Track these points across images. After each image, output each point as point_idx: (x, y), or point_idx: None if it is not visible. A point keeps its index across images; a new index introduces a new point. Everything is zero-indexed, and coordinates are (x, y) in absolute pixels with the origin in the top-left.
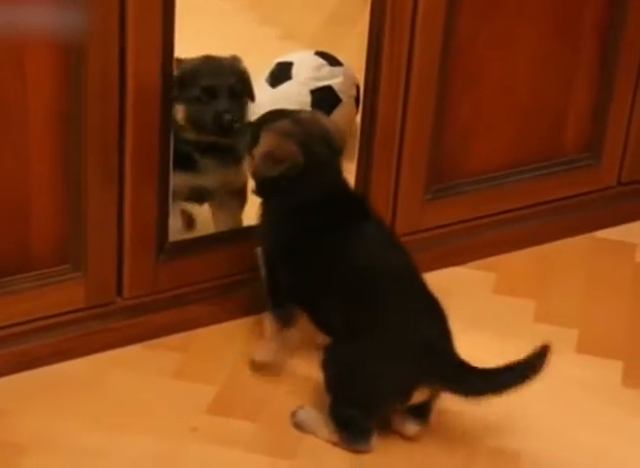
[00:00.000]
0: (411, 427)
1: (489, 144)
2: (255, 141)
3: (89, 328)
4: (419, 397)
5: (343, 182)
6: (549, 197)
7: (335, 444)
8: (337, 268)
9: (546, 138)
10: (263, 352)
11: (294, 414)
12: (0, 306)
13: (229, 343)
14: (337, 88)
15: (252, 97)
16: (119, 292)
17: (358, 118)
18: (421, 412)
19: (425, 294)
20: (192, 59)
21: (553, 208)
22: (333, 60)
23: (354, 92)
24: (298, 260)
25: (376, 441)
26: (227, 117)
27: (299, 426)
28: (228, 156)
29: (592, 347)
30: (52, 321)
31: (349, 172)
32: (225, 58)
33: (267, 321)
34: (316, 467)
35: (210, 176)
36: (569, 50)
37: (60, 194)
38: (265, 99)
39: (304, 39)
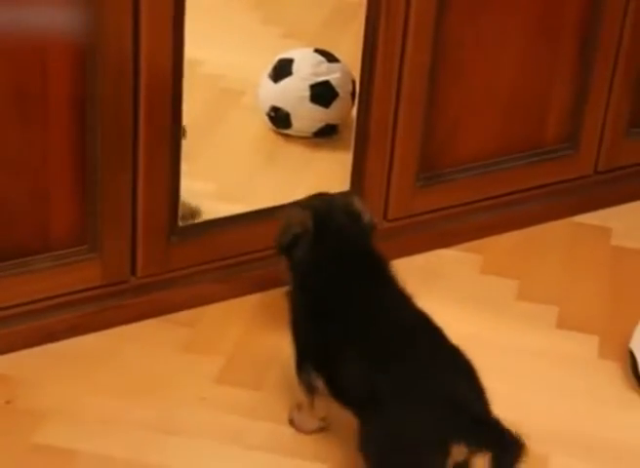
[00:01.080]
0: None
1: (476, 135)
2: None
3: (104, 304)
4: (458, 455)
5: (369, 253)
6: (531, 184)
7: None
8: (357, 331)
9: (529, 130)
10: (306, 422)
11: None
12: (21, 284)
13: (236, 319)
14: (334, 83)
15: None
16: (133, 271)
17: (354, 111)
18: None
19: (452, 352)
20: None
21: (535, 194)
22: (331, 57)
23: (351, 87)
24: (315, 326)
25: None
26: None
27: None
28: None
29: (571, 323)
30: (69, 298)
31: (346, 161)
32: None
33: (299, 388)
34: (317, 434)
35: None
36: (550, 48)
37: (77, 179)
38: (268, 94)
39: (305, 37)
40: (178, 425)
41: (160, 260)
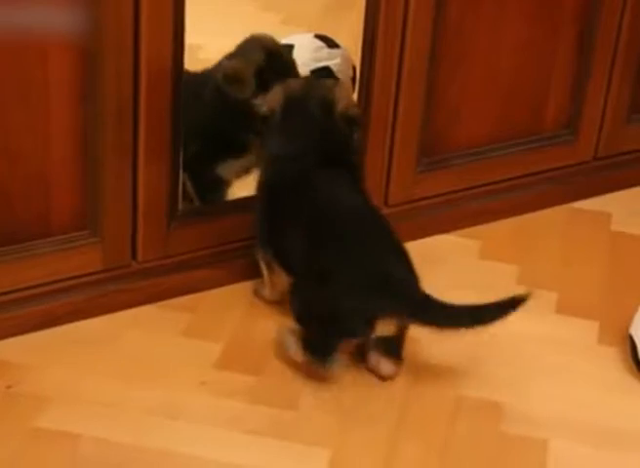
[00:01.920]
0: (385, 366)
1: (475, 121)
2: None
3: (105, 289)
4: (384, 329)
5: (335, 143)
6: (531, 170)
7: (300, 364)
8: (303, 210)
9: (528, 116)
10: (267, 294)
11: (277, 331)
12: (24, 269)
13: (235, 304)
14: (335, 68)
15: None
16: (134, 256)
17: (355, 97)
18: (394, 351)
19: (388, 236)
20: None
21: (535, 180)
22: (331, 43)
23: (351, 72)
24: (273, 203)
25: (340, 370)
26: None
27: (278, 343)
28: None
29: (570, 308)
30: (71, 282)
31: None
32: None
33: (259, 260)
34: (316, 417)
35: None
36: (550, 34)
37: (78, 166)
38: None
39: (305, 23)
40: (178, 410)
41: (161, 245)
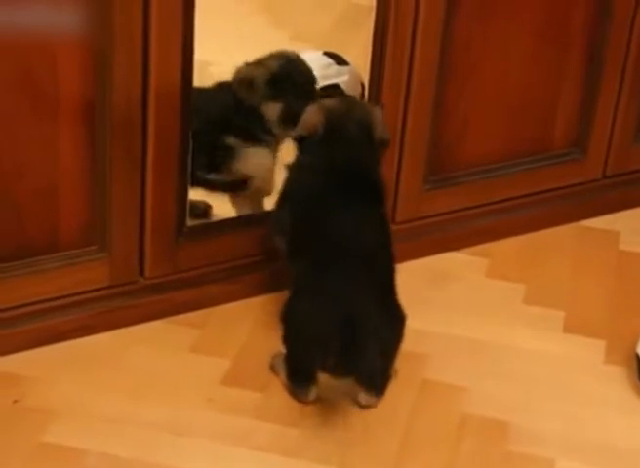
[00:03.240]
0: (362, 398)
1: (483, 139)
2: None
3: (113, 305)
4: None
5: (368, 166)
6: (539, 188)
7: (285, 388)
8: (312, 231)
9: (537, 134)
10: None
11: (271, 357)
12: (31, 284)
13: (243, 320)
14: (343, 85)
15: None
16: (141, 271)
17: None
18: (375, 385)
19: (380, 281)
20: (268, 60)
21: (543, 198)
22: (340, 60)
23: (359, 89)
24: (293, 213)
25: (316, 394)
26: None
27: (271, 368)
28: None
29: (577, 327)
30: (79, 298)
31: None
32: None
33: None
34: (321, 434)
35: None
36: (558, 50)
37: (86, 181)
38: None
39: (314, 40)
40: (184, 426)
41: (168, 261)
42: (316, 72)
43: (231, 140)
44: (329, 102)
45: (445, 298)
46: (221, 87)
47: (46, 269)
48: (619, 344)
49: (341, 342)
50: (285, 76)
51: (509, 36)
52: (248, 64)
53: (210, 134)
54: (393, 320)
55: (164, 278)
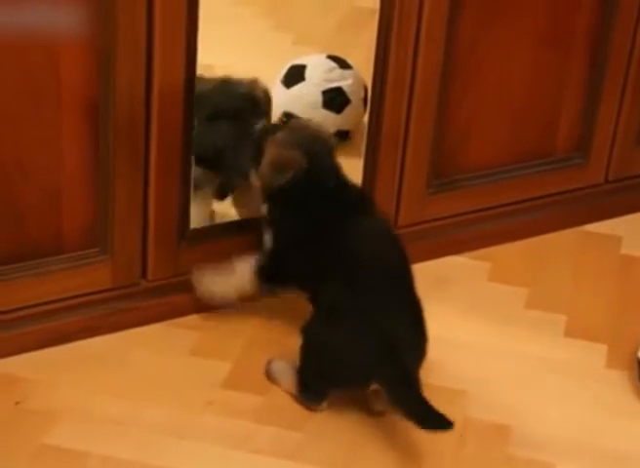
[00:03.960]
0: (377, 404)
1: (486, 143)
2: (259, 154)
3: (115, 307)
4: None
5: (344, 179)
6: (542, 193)
7: (292, 396)
8: (335, 256)
9: (540, 138)
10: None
11: (267, 363)
12: (34, 286)
13: (243, 323)
14: (346, 89)
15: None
16: (143, 274)
17: (366, 118)
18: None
19: (409, 296)
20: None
21: (545, 203)
22: (343, 64)
23: (363, 93)
24: (305, 252)
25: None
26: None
27: (268, 375)
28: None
29: (579, 332)
30: (81, 300)
31: (357, 168)
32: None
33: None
34: (322, 438)
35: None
36: (561, 56)
37: (89, 183)
38: (280, 99)
39: (317, 44)
40: (185, 428)
41: (170, 264)
42: (319, 76)
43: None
44: (281, 136)
45: (447, 302)
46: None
47: (48, 271)
48: (620, 349)
49: (387, 372)
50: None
51: (513, 41)
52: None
53: None
54: (423, 338)
55: (166, 281)
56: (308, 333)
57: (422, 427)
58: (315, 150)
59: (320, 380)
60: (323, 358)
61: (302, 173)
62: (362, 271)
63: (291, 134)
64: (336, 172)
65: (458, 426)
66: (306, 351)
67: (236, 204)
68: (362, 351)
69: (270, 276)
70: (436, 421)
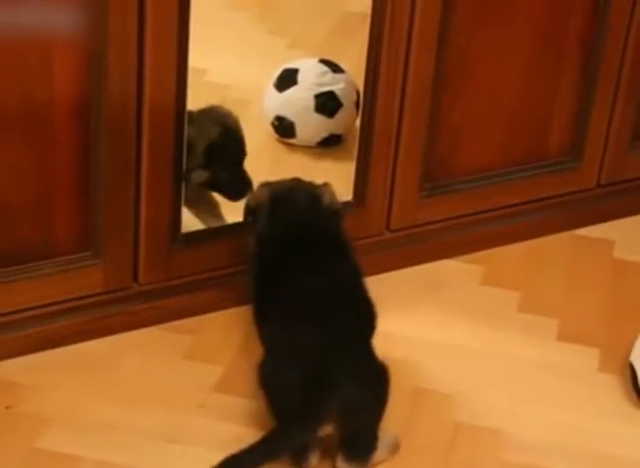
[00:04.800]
0: (341, 464)
1: (479, 147)
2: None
3: (107, 311)
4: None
5: (321, 224)
6: (534, 196)
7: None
8: (281, 291)
9: (532, 142)
10: None
11: None
12: (26, 290)
13: (236, 327)
14: (339, 93)
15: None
16: (135, 278)
17: (358, 121)
18: (359, 453)
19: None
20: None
21: (538, 206)
22: (336, 68)
23: (355, 97)
24: (260, 285)
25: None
26: None
27: None
28: None
29: (572, 336)
30: (73, 304)
31: (349, 171)
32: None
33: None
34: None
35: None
36: (554, 60)
37: (81, 187)
38: (273, 103)
39: (310, 48)
40: (177, 433)
41: (162, 268)
42: (312, 80)
43: None
44: (277, 182)
45: (440, 305)
46: None
47: (40, 275)
48: (613, 353)
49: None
50: (221, 146)
51: (505, 44)
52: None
53: None
54: (372, 378)
55: (158, 284)
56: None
57: None
58: (284, 192)
59: (286, 431)
60: (269, 398)
61: (267, 213)
62: (298, 307)
63: (279, 184)
64: (316, 220)
65: (449, 430)
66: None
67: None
68: (286, 385)
69: (256, 313)
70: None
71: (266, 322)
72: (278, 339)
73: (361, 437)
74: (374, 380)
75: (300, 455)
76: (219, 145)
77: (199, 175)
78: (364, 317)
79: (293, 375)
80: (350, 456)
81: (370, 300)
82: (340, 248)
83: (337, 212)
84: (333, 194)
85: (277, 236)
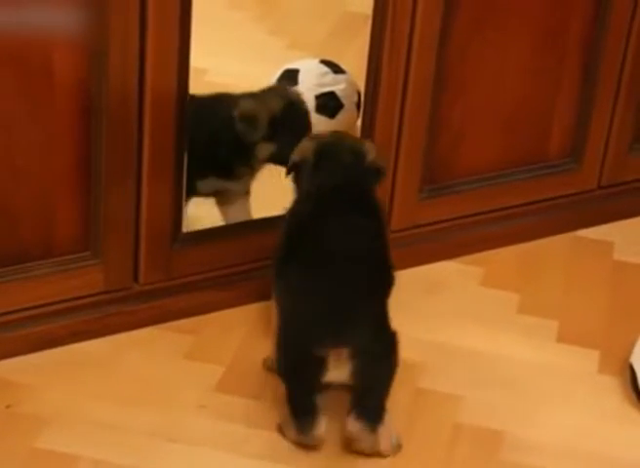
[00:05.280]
0: (351, 423)
1: (479, 148)
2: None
3: (107, 311)
4: (336, 371)
5: (361, 186)
6: (534, 198)
7: (293, 441)
8: (302, 242)
9: (532, 143)
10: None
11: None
12: (25, 289)
13: (237, 327)
14: (339, 94)
15: None
16: (135, 277)
17: (359, 122)
18: (370, 416)
19: (369, 283)
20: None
21: (538, 208)
22: (336, 68)
23: (356, 97)
24: (290, 236)
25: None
26: None
27: (279, 430)
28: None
29: (571, 337)
30: (73, 304)
31: None
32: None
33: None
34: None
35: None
36: (555, 61)
37: (81, 185)
38: None
39: (310, 48)
40: (177, 432)
41: (162, 268)
42: (312, 80)
43: (213, 182)
44: (322, 135)
45: (439, 307)
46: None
47: (40, 275)
48: (613, 354)
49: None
50: (285, 119)
51: (506, 46)
52: (247, 97)
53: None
54: (385, 344)
55: (158, 284)
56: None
57: None
58: (326, 151)
59: (295, 387)
60: (283, 343)
61: (311, 167)
62: (322, 259)
63: (328, 137)
64: (354, 180)
65: (450, 431)
66: (276, 361)
67: (221, 212)
68: (301, 321)
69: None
70: None
71: (289, 274)
72: (301, 287)
73: (372, 396)
74: (388, 338)
75: (306, 424)
76: (282, 118)
77: (265, 149)
78: (385, 278)
79: (313, 310)
80: (362, 416)
81: (392, 263)
82: (374, 207)
83: (379, 169)
84: (376, 151)
85: (318, 190)
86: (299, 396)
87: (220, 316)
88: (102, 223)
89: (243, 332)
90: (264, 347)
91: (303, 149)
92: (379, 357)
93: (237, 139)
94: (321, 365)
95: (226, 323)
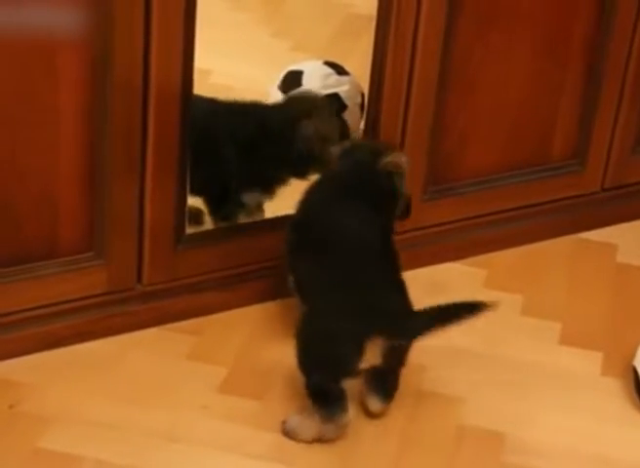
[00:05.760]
0: (373, 403)
1: (483, 150)
2: None
3: (110, 311)
4: (372, 357)
5: (381, 184)
6: (538, 200)
7: (319, 438)
8: (320, 233)
9: (536, 145)
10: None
11: (283, 423)
12: (29, 290)
13: (240, 328)
14: (343, 95)
15: None
16: (139, 278)
17: (363, 124)
18: (384, 388)
19: (389, 274)
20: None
21: (541, 210)
22: (340, 70)
23: (359, 99)
24: (304, 226)
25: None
26: None
27: (287, 433)
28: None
29: (574, 339)
30: (76, 304)
31: None
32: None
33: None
34: (317, 445)
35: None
36: (558, 64)
37: (85, 187)
38: None
39: (314, 50)
40: (180, 433)
41: (166, 268)
42: (316, 82)
43: (256, 196)
44: (360, 140)
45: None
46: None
47: (44, 275)
48: (615, 356)
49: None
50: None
51: (510, 48)
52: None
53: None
54: (412, 326)
55: (162, 285)
56: (298, 333)
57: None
58: (350, 150)
59: (325, 376)
60: (315, 344)
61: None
62: (333, 247)
63: (361, 141)
64: (374, 177)
65: (452, 433)
66: (300, 352)
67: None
68: (344, 313)
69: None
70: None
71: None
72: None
73: (395, 377)
74: (415, 320)
75: (337, 409)
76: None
77: (308, 126)
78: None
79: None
80: (383, 393)
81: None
82: (381, 204)
83: (389, 173)
84: (395, 157)
85: (328, 179)
86: (330, 385)
87: (224, 317)
88: (106, 224)
89: (246, 333)
90: (268, 348)
91: (337, 148)
92: (408, 339)
93: (299, 157)
94: (360, 353)
95: (229, 324)
